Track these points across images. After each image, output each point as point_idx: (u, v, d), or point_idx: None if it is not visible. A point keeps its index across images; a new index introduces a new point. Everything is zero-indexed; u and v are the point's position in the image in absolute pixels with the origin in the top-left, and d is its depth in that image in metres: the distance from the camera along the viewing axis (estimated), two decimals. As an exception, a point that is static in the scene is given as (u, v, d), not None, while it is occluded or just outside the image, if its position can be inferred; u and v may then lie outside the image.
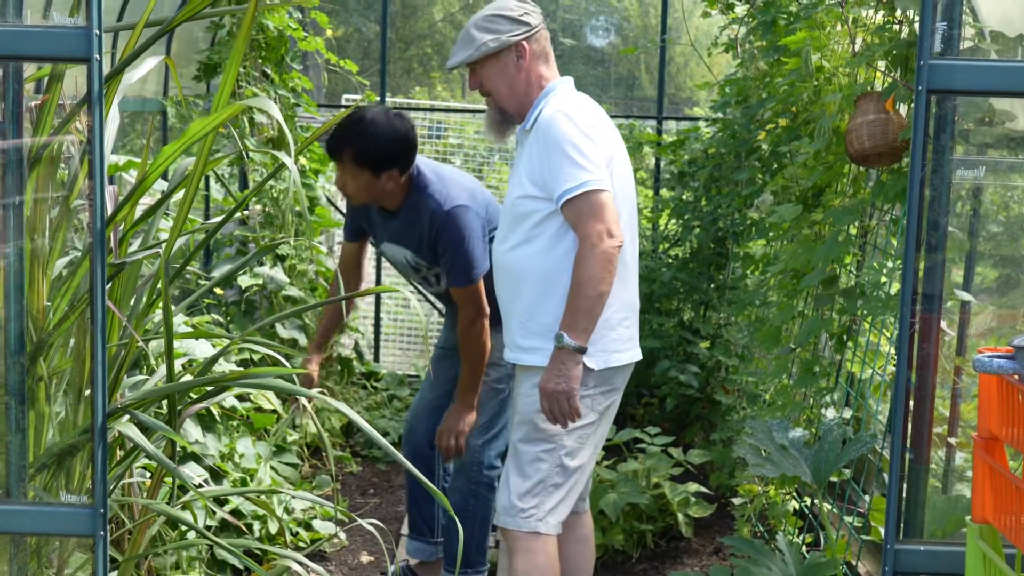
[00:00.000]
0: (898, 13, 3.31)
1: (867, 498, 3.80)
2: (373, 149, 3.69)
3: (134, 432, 2.64)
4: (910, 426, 2.41)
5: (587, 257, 3.08)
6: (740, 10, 5.34)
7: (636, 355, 3.41)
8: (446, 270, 3.85)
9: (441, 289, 4.04)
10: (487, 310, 3.82)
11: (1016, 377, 2.10)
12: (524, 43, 3.30)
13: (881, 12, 3.45)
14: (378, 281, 7.58)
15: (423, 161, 3.90)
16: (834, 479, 3.72)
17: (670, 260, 6.57)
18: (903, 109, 3.25)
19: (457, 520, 2.84)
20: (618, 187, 3.24)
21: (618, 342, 3.30)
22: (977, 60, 2.03)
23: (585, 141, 3.14)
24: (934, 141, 2.18)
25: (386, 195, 3.81)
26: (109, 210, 2.62)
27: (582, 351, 3.12)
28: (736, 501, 4.49)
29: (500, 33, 3.28)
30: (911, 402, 2.39)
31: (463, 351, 3.90)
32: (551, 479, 3.28)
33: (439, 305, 6.27)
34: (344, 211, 7.19)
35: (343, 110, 4.10)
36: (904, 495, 2.36)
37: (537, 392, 3.20)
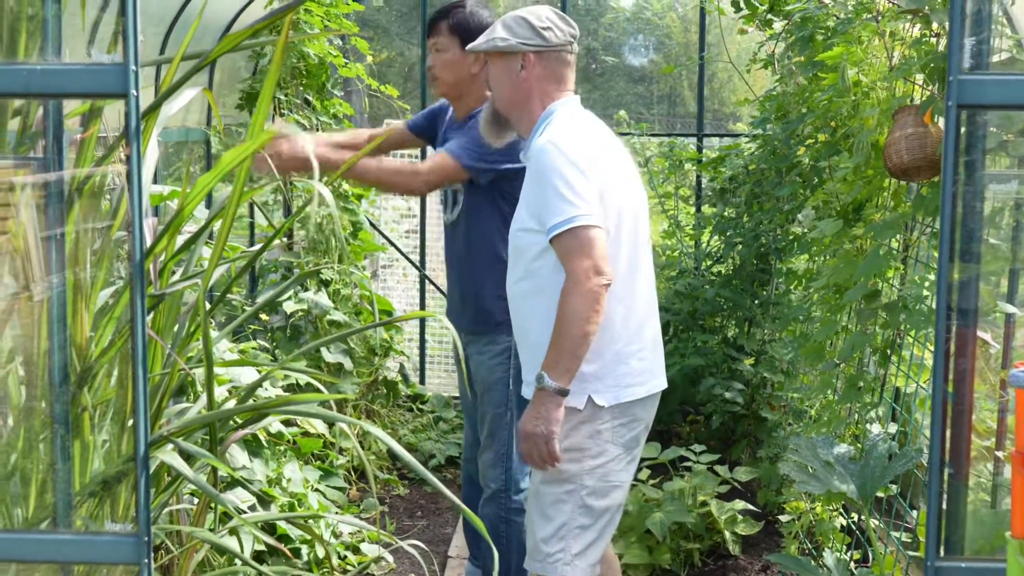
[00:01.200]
0: (935, 26, 3.28)
1: (914, 513, 3.77)
2: (470, 21, 3.95)
3: (177, 461, 2.68)
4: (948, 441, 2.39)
5: (572, 294, 2.98)
6: (778, 26, 5.33)
7: (657, 386, 3.29)
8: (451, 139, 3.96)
9: (452, 216, 4.07)
10: (429, 190, 4.00)
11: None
12: (532, 55, 3.24)
13: (918, 25, 3.43)
14: (422, 304, 7.61)
15: None
16: (881, 494, 3.69)
17: (713, 277, 6.55)
18: (941, 122, 3.23)
19: (492, 542, 2.84)
20: (626, 215, 3.17)
21: (631, 375, 3.18)
22: (1007, 74, 2.01)
23: (575, 174, 3.04)
24: (966, 155, 2.16)
25: (467, 83, 3.98)
26: (148, 241, 2.66)
27: (563, 393, 3.01)
28: (783, 518, 4.47)
29: (515, 37, 3.24)
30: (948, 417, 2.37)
31: (384, 168, 4.00)
32: (575, 521, 3.16)
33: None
34: (386, 235, 7.25)
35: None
36: (944, 511, 2.33)
37: None
